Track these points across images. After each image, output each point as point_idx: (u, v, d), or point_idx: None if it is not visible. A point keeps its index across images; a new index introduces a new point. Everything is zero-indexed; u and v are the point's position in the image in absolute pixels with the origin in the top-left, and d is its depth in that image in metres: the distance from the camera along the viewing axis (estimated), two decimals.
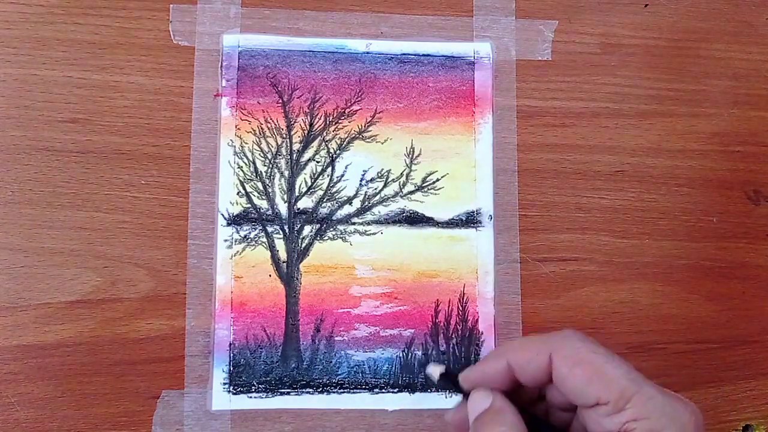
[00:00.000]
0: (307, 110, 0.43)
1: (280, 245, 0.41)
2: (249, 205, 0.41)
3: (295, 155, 0.42)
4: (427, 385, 0.41)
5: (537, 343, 0.30)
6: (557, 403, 0.31)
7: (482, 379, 0.32)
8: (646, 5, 0.46)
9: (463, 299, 0.42)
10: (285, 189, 0.42)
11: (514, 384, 0.31)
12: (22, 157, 0.41)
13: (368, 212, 0.42)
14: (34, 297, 0.40)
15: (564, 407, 0.31)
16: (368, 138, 0.43)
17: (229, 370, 0.40)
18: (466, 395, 0.32)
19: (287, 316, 0.41)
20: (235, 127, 0.42)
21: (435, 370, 0.34)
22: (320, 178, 0.42)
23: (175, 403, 0.40)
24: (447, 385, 0.34)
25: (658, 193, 0.44)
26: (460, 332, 0.42)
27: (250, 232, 0.41)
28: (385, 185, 0.42)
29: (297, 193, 0.42)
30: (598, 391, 0.28)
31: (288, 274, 0.41)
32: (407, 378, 0.41)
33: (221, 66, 0.42)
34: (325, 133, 0.43)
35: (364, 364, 0.41)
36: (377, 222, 0.42)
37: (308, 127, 0.43)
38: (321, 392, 0.40)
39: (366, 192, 0.42)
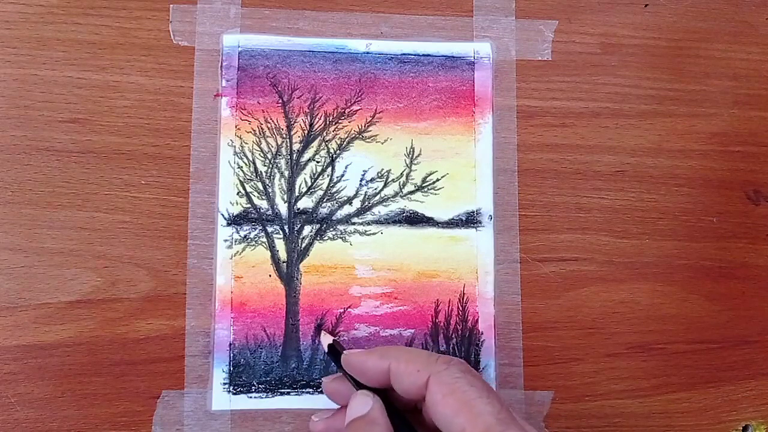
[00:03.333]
0: (307, 110, 0.43)
1: (280, 245, 0.41)
2: (249, 205, 0.42)
3: (295, 155, 0.42)
4: None
5: (421, 360, 0.31)
6: (427, 421, 0.32)
7: (360, 369, 0.32)
8: (646, 5, 0.46)
9: (463, 299, 0.42)
10: (285, 189, 0.42)
11: (389, 385, 0.32)
12: (22, 157, 0.41)
13: (368, 212, 0.42)
14: (34, 297, 0.40)
15: (432, 427, 0.31)
16: (368, 138, 0.43)
17: (229, 370, 0.40)
18: (352, 382, 0.33)
19: (287, 316, 0.41)
20: (235, 127, 0.42)
21: (324, 340, 0.36)
22: (320, 178, 0.42)
23: (175, 403, 0.40)
24: (331, 359, 0.35)
25: (658, 193, 0.44)
26: (460, 332, 0.42)
27: (250, 232, 0.41)
28: (385, 185, 0.43)
29: (297, 193, 0.42)
30: (463, 424, 0.28)
31: (288, 274, 0.41)
32: None
33: (221, 66, 0.42)
34: (325, 133, 0.43)
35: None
36: (377, 222, 0.42)
37: (308, 127, 0.43)
38: (321, 392, 0.40)
39: (366, 192, 0.42)
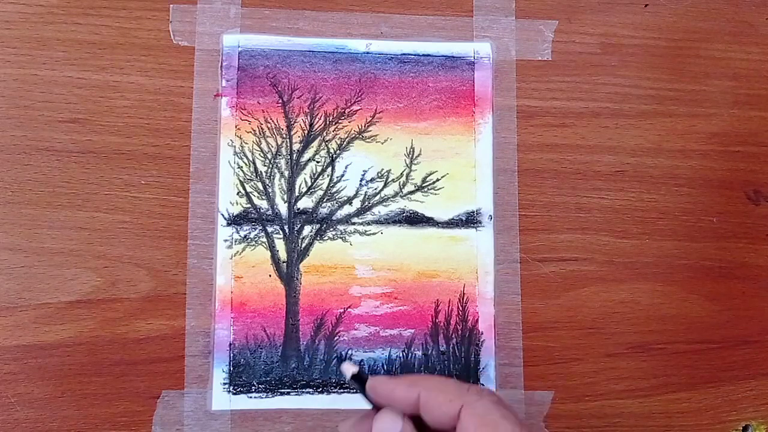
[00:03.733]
0: (307, 110, 0.43)
1: (280, 245, 0.41)
2: (249, 205, 0.42)
3: (295, 155, 0.42)
4: None
5: (453, 390, 0.30)
6: None
7: (387, 398, 0.31)
8: (646, 5, 0.46)
9: (463, 299, 0.42)
10: (285, 189, 0.42)
11: (415, 414, 0.31)
12: (22, 157, 0.41)
13: (368, 212, 0.42)
14: (34, 297, 0.40)
15: None
16: (368, 138, 0.43)
17: (229, 370, 0.40)
18: (372, 405, 0.32)
19: (287, 316, 0.41)
20: (235, 127, 0.42)
21: (348, 369, 0.34)
22: (320, 178, 0.42)
23: (175, 403, 0.40)
24: (356, 387, 0.34)
25: (658, 193, 0.44)
26: (460, 332, 0.42)
27: (250, 232, 0.41)
28: (385, 185, 0.43)
29: (297, 193, 0.42)
30: None
31: (288, 274, 0.41)
32: None
33: (221, 66, 0.42)
34: (325, 133, 0.43)
35: (364, 364, 0.41)
36: (377, 222, 0.42)
37: (308, 127, 0.43)
38: (321, 392, 0.40)
39: (366, 192, 0.42)
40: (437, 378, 0.33)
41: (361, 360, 0.41)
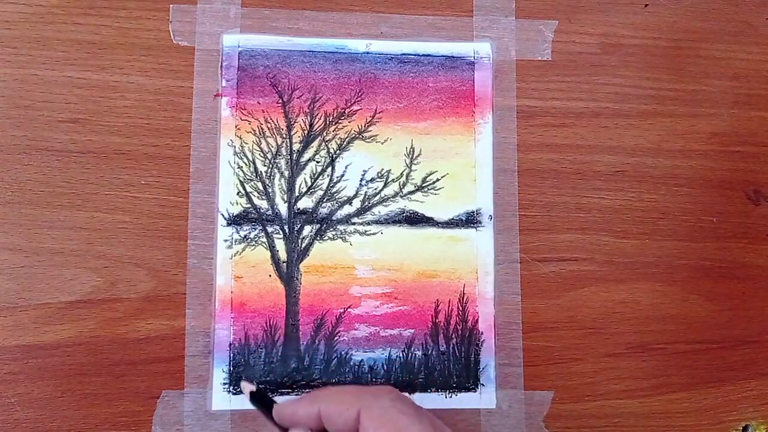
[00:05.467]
0: (307, 110, 0.43)
1: (280, 245, 0.41)
2: (249, 205, 0.41)
3: (295, 155, 0.42)
4: (426, 385, 0.41)
5: (349, 397, 0.31)
6: None
7: (292, 420, 0.32)
8: (646, 5, 0.46)
9: (463, 299, 0.42)
10: (285, 189, 0.42)
11: (322, 430, 0.32)
12: (22, 157, 0.41)
13: (368, 212, 0.42)
14: (34, 297, 0.40)
15: None
16: (368, 138, 0.43)
17: (229, 370, 0.40)
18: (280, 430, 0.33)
19: (287, 316, 0.41)
20: (235, 127, 0.42)
21: (246, 388, 0.35)
22: (320, 178, 0.42)
23: (175, 403, 0.40)
24: (257, 406, 0.34)
25: (658, 193, 0.44)
26: (460, 332, 0.42)
27: (250, 232, 0.41)
28: (385, 185, 0.42)
29: (297, 193, 0.42)
30: None
31: (288, 274, 0.41)
32: (407, 378, 0.41)
33: (221, 66, 0.42)
34: (325, 133, 0.43)
35: (364, 364, 0.41)
36: (377, 222, 0.42)
37: (308, 127, 0.43)
38: None
39: (366, 192, 0.42)
40: (335, 389, 0.34)
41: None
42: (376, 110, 0.43)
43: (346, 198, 0.42)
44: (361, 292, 0.42)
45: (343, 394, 0.32)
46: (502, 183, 0.43)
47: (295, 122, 0.42)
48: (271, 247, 0.41)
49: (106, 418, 0.39)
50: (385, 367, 0.41)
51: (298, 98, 0.43)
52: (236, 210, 0.41)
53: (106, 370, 0.40)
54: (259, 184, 0.42)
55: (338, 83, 0.43)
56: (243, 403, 0.40)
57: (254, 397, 0.35)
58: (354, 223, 0.42)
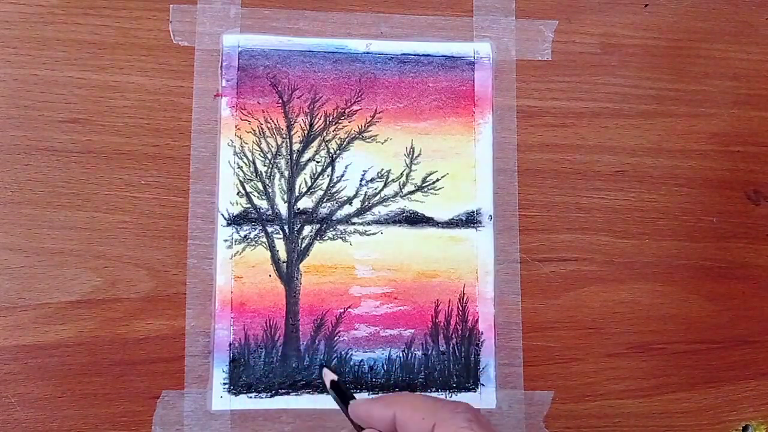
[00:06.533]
0: (307, 110, 0.43)
1: (280, 245, 0.41)
2: (249, 205, 0.41)
3: (295, 155, 0.42)
4: (426, 385, 0.41)
5: (427, 408, 0.31)
6: None
7: (366, 419, 0.33)
8: (646, 5, 0.46)
9: (463, 299, 0.42)
10: (285, 189, 0.42)
11: None
12: (22, 157, 0.41)
13: (368, 212, 0.42)
14: (34, 297, 0.40)
15: None
16: (368, 138, 0.43)
17: (229, 370, 0.40)
18: (354, 426, 0.34)
19: (287, 316, 0.41)
20: (235, 127, 0.42)
21: (327, 375, 0.37)
22: (320, 178, 0.42)
23: (175, 403, 0.40)
24: (334, 396, 0.36)
25: (658, 193, 0.44)
26: (460, 332, 0.42)
27: (250, 232, 0.41)
28: (385, 185, 0.42)
29: (297, 193, 0.42)
30: None
31: (288, 274, 0.41)
32: (407, 378, 0.41)
33: (221, 66, 0.42)
34: (325, 133, 0.43)
35: (364, 364, 0.41)
36: (377, 222, 0.42)
37: (308, 127, 0.43)
38: (321, 392, 0.40)
39: (366, 192, 0.42)
40: (412, 396, 0.34)
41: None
42: (376, 110, 0.43)
43: (346, 198, 0.42)
44: (361, 292, 0.42)
45: (420, 402, 0.31)
46: (502, 183, 0.43)
47: (295, 122, 0.42)
48: (271, 247, 0.41)
49: (106, 418, 0.39)
50: (385, 367, 0.41)
51: (298, 98, 0.43)
52: (236, 210, 0.41)
53: (106, 370, 0.40)
54: (259, 184, 0.42)
55: (338, 83, 0.43)
56: (243, 403, 0.40)
57: (333, 386, 0.36)
58: (354, 223, 0.42)
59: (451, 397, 0.41)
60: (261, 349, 0.41)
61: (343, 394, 0.36)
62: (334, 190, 0.42)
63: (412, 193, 0.43)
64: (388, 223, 0.42)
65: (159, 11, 0.42)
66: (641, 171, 0.44)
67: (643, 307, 0.43)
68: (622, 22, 0.45)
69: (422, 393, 0.41)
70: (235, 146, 0.42)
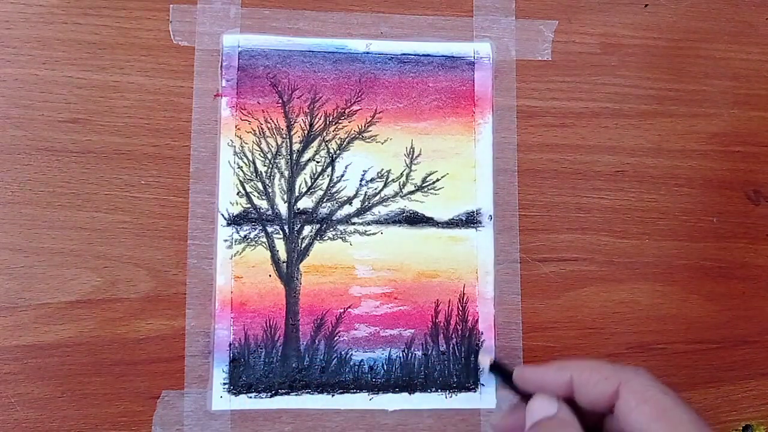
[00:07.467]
0: (307, 110, 0.43)
1: (280, 245, 0.41)
2: (249, 205, 0.41)
3: (295, 155, 0.42)
4: (426, 385, 0.41)
5: (607, 369, 0.30)
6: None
7: (538, 384, 0.32)
8: (646, 5, 0.46)
9: (463, 299, 0.42)
10: (285, 189, 0.42)
11: (567, 397, 0.31)
12: (22, 157, 0.41)
13: (368, 212, 0.42)
14: (34, 297, 0.40)
15: None
16: (368, 138, 0.43)
17: (229, 370, 0.40)
18: (520, 396, 0.33)
19: (287, 316, 0.41)
20: (235, 127, 0.42)
21: (484, 358, 0.37)
22: (320, 178, 0.42)
23: (175, 403, 0.40)
24: (496, 375, 0.35)
25: (658, 193, 0.44)
26: (460, 332, 0.42)
27: (250, 232, 0.41)
28: (385, 185, 0.42)
29: (297, 193, 0.42)
30: (662, 431, 0.28)
31: (288, 274, 0.41)
32: (407, 378, 0.41)
33: (221, 66, 0.42)
34: (325, 133, 0.43)
35: (364, 364, 0.41)
36: (377, 222, 0.42)
37: (308, 127, 0.43)
38: (321, 392, 0.40)
39: (366, 192, 0.42)
40: (588, 359, 0.33)
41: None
42: (376, 110, 0.43)
43: (346, 198, 0.42)
44: (361, 292, 0.42)
45: (599, 365, 0.31)
46: (502, 183, 0.43)
47: (295, 122, 0.42)
48: (271, 247, 0.41)
49: (106, 418, 0.39)
50: (385, 367, 0.41)
51: (298, 98, 0.43)
52: (236, 210, 0.41)
53: (106, 370, 0.40)
54: (259, 184, 0.42)
55: (338, 83, 0.43)
56: (243, 403, 0.40)
57: (493, 367, 0.36)
58: (354, 223, 0.42)
59: (451, 397, 0.41)
60: (261, 349, 0.41)
61: (503, 370, 0.36)
62: (334, 190, 0.42)
63: (412, 193, 0.43)
64: (388, 223, 0.42)
65: (159, 11, 0.42)
66: (641, 171, 0.44)
67: (643, 307, 0.43)
68: (622, 22, 0.45)
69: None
70: (235, 146, 0.42)
